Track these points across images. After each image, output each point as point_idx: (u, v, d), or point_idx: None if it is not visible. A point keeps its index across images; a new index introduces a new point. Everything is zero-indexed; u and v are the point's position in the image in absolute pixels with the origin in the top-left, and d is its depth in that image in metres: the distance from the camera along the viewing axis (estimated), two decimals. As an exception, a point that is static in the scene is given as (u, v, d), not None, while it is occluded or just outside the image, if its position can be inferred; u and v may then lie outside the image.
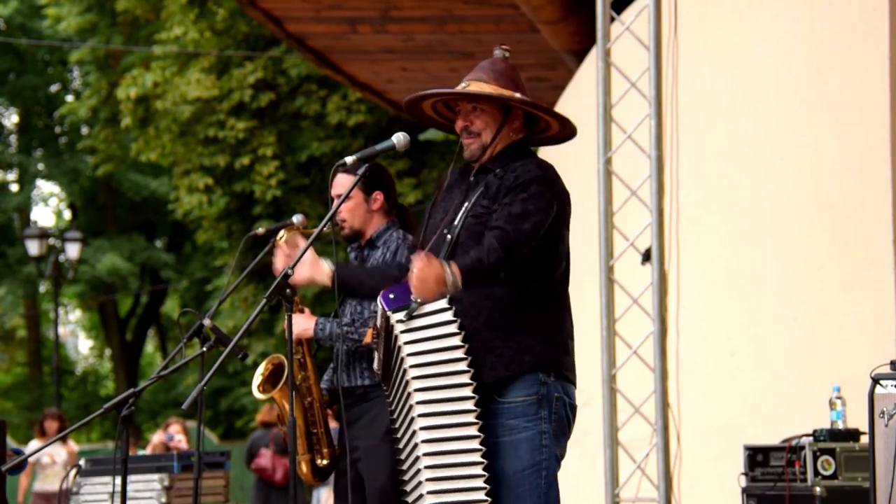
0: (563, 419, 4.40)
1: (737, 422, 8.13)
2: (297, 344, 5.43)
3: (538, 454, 4.34)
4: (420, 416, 4.25)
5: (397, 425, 4.44)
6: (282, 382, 5.34)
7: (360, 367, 5.33)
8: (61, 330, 34.52)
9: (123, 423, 4.43)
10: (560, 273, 4.46)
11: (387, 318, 4.32)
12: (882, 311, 7.16)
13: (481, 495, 4.24)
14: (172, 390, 28.30)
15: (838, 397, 6.15)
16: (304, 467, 5.44)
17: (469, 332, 4.29)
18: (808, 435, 6.09)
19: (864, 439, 5.79)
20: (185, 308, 14.31)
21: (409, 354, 4.26)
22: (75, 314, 37.95)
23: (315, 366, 5.48)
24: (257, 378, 5.47)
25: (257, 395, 5.44)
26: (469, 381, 4.24)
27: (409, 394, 4.28)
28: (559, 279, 4.46)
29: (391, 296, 4.31)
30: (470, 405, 4.25)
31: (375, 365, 4.54)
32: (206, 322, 4.72)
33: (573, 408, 4.45)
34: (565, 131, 4.58)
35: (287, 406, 5.30)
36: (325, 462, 5.45)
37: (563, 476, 6.26)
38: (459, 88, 4.48)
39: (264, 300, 4.32)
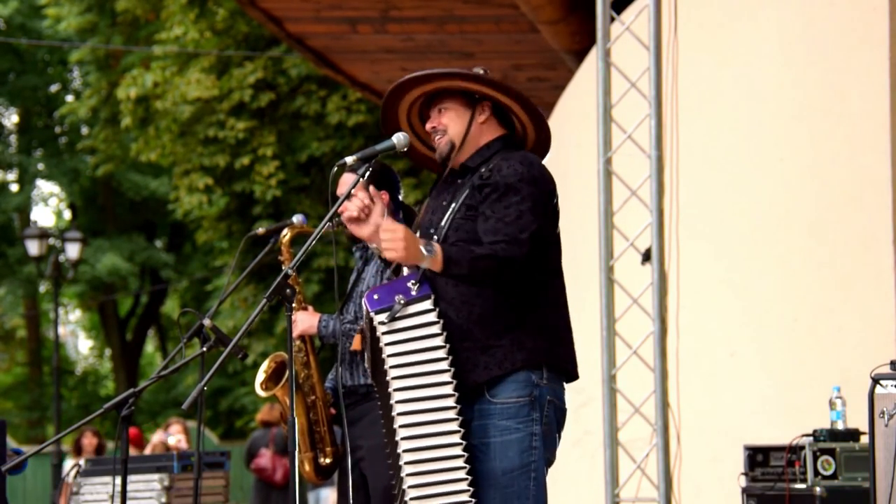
0: (552, 423, 4.35)
1: (737, 422, 8.12)
2: (301, 342, 5.44)
3: (528, 455, 4.29)
4: (400, 414, 4.23)
5: (384, 426, 4.43)
6: (283, 380, 5.34)
7: (364, 365, 5.33)
8: (61, 330, 34.52)
9: (123, 423, 4.43)
10: (552, 266, 4.40)
11: (370, 320, 4.31)
12: (882, 311, 7.16)
13: (465, 497, 4.21)
14: (172, 390, 28.31)
15: (838, 397, 6.14)
16: (307, 466, 5.45)
17: (462, 330, 4.26)
18: (808, 435, 6.09)
19: (864, 439, 5.78)
20: (185, 308, 14.31)
21: (390, 356, 4.25)
22: (75, 314, 37.96)
23: (318, 364, 5.49)
24: (260, 375, 5.47)
25: (260, 392, 5.45)
26: (450, 379, 4.21)
27: (390, 394, 4.26)
28: (551, 272, 4.40)
29: (375, 296, 4.29)
30: (451, 403, 4.21)
31: (367, 364, 4.54)
32: (206, 322, 4.72)
33: (563, 412, 4.40)
34: (542, 136, 4.49)
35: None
36: (327, 461, 5.46)
37: (563, 476, 6.27)
38: None
39: (264, 300, 4.31)
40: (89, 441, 12.27)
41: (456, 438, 4.21)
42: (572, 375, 4.43)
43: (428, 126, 4.48)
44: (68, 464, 12.55)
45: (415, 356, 4.24)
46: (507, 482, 4.27)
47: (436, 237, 4.36)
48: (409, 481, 4.23)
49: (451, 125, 4.43)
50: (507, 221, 4.25)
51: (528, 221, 4.24)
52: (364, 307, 4.34)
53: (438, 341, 4.23)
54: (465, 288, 4.28)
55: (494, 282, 4.23)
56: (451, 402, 4.21)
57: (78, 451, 12.28)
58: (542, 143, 4.52)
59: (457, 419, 4.20)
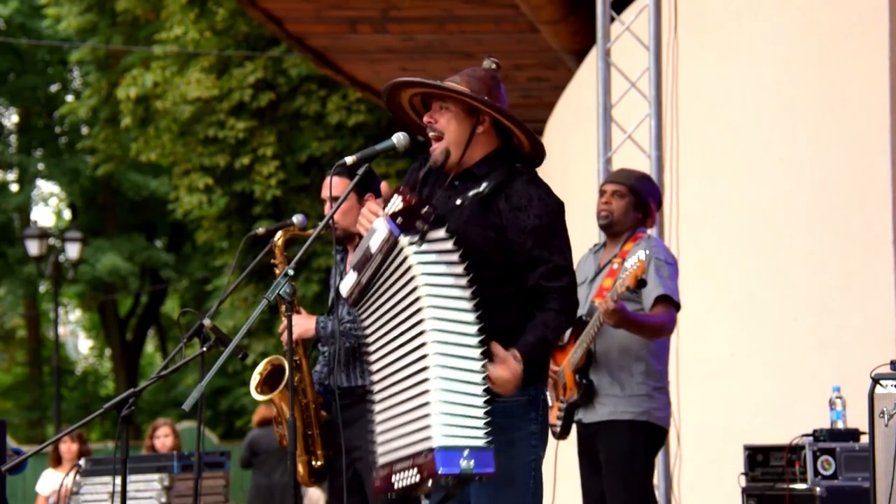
0: (545, 422, 4.42)
1: (737, 422, 8.12)
2: (295, 344, 5.43)
3: (530, 453, 4.34)
4: (433, 340, 4.01)
5: (379, 348, 4.21)
6: (282, 385, 5.34)
7: (360, 366, 5.33)
8: (61, 330, 34.55)
9: (123, 423, 4.43)
10: None
11: (394, 242, 4.08)
12: (882, 311, 7.14)
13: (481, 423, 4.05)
14: (172, 390, 28.32)
15: (838, 397, 6.14)
16: (300, 468, 5.45)
17: None
18: (808, 435, 6.09)
19: (864, 439, 5.78)
20: (185, 308, 14.31)
21: (424, 275, 4.03)
22: (75, 314, 37.98)
23: (310, 367, 5.50)
24: (255, 379, 5.47)
25: (256, 396, 5.45)
26: (473, 309, 4.07)
27: (421, 320, 4.03)
28: None
29: (399, 220, 4.12)
30: (476, 331, 4.08)
31: (348, 286, 4.29)
32: (206, 322, 4.72)
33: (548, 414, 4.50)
34: (535, 153, 4.45)
35: (285, 407, 5.32)
36: (320, 463, 5.47)
37: (563, 476, 6.27)
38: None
39: (264, 300, 4.30)
40: (68, 448, 10.35)
41: (479, 366, 4.06)
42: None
43: (426, 118, 4.39)
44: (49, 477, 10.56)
45: (448, 279, 4.06)
46: (512, 479, 4.30)
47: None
48: (438, 408, 3.98)
49: (448, 130, 4.35)
50: (557, 263, 4.29)
51: (567, 249, 4.34)
52: (383, 228, 4.10)
53: (460, 269, 4.08)
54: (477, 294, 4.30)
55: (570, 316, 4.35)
56: (475, 329, 4.06)
57: (58, 461, 10.48)
58: (537, 156, 4.48)
59: (481, 336, 4.06)
